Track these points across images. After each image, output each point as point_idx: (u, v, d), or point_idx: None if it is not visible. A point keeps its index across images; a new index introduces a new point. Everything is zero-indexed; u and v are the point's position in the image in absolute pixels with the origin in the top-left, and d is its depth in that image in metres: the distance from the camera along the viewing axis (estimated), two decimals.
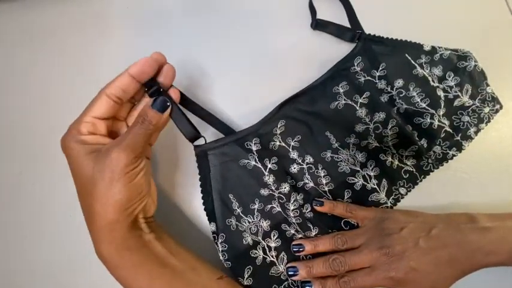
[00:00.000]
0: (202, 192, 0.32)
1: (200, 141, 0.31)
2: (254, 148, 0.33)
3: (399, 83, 0.34)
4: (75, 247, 0.35)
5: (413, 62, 0.35)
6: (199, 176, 0.32)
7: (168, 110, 0.28)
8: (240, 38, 0.39)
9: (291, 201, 0.32)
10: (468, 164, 0.36)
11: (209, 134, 0.35)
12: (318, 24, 0.38)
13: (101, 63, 0.39)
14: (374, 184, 0.34)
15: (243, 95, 0.37)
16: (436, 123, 0.33)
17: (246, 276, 0.31)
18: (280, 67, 0.38)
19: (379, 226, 0.31)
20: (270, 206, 0.32)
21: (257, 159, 0.33)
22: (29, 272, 0.35)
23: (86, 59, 0.39)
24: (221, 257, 0.31)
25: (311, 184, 0.34)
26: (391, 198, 0.34)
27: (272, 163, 0.33)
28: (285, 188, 0.32)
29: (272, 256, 0.32)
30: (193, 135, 0.30)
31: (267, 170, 0.33)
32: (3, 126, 0.38)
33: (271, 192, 0.32)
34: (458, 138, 0.33)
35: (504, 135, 0.36)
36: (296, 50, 0.38)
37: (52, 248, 0.36)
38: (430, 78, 0.34)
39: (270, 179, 0.32)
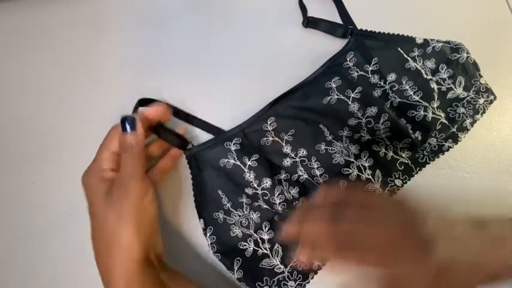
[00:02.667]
0: (193, 190, 0.33)
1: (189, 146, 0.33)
2: (233, 148, 0.34)
3: (392, 77, 0.35)
4: (75, 247, 0.35)
5: (405, 56, 0.35)
6: (191, 176, 0.34)
7: (140, 125, 0.28)
8: (233, 38, 0.39)
9: (276, 195, 0.32)
10: (469, 164, 0.35)
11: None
12: (310, 22, 0.38)
13: (100, 63, 0.39)
14: (368, 175, 0.33)
15: (236, 95, 0.37)
16: (430, 115, 0.33)
17: (235, 268, 0.31)
18: (273, 66, 0.38)
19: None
20: (257, 204, 0.32)
21: (236, 158, 0.33)
22: (28, 272, 0.35)
23: (86, 58, 0.39)
24: (210, 250, 0.31)
25: (305, 176, 0.34)
26: (386, 189, 0.33)
27: (252, 160, 0.33)
28: (267, 183, 0.32)
29: (265, 248, 0.32)
30: (181, 143, 0.32)
31: (246, 167, 0.33)
32: (2, 126, 0.38)
33: (254, 190, 0.33)
34: (454, 129, 0.33)
35: (505, 134, 0.36)
36: (288, 49, 0.38)
37: (52, 248, 0.36)
38: (423, 71, 0.34)
39: (250, 176, 0.33)
